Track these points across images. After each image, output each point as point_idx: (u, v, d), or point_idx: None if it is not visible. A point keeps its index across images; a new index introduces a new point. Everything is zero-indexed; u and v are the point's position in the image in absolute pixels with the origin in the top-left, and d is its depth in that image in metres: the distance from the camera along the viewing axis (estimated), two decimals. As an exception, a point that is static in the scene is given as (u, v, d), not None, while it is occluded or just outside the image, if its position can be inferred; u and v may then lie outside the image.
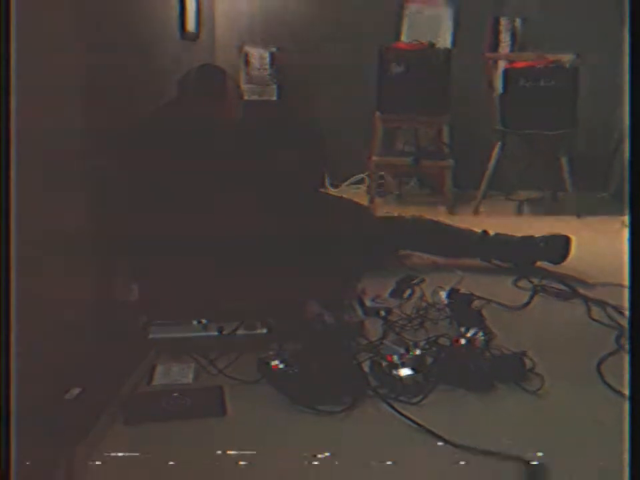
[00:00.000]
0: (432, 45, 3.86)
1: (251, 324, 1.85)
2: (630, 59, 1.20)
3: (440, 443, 1.42)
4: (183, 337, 1.82)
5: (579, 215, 3.63)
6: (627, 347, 1.86)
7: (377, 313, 2.08)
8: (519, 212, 3.87)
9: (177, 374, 1.70)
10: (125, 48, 2.28)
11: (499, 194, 4.04)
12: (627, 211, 2.54)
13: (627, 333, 1.93)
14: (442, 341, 1.84)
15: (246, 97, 3.83)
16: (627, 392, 1.55)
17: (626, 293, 1.82)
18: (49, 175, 1.58)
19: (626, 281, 1.30)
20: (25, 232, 1.27)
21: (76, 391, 1.54)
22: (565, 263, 2.58)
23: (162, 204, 2.07)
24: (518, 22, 4.08)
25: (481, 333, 1.88)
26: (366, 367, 1.70)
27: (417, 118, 3.82)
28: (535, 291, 2.35)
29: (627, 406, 1.26)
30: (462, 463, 1.36)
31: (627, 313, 2.06)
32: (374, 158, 3.84)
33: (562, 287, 2.39)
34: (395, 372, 1.63)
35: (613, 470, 1.28)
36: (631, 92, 1.19)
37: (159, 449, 1.39)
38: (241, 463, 1.35)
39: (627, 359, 1.53)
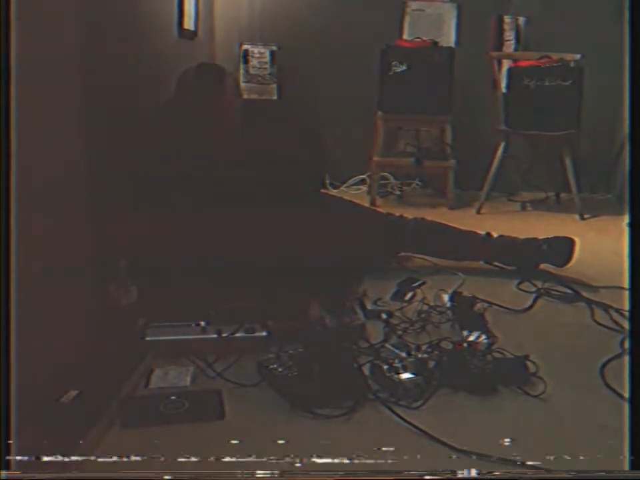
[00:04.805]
0: (435, 44, 3.83)
1: (250, 326, 1.83)
2: (630, 58, 1.18)
3: (441, 447, 1.39)
4: (180, 340, 1.80)
5: (582, 217, 3.61)
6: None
7: (378, 316, 2.06)
8: (522, 213, 3.85)
9: (174, 377, 1.68)
10: (122, 46, 2.26)
11: (502, 195, 4.02)
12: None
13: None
14: (444, 344, 1.82)
15: (245, 96, 3.80)
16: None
17: (630, 296, 1.81)
18: (47, 186, 1.56)
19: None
20: (24, 237, 1.26)
21: (73, 394, 1.52)
22: (568, 266, 2.56)
23: (160, 204, 2.06)
24: (522, 21, 4.05)
25: (483, 336, 1.87)
26: (367, 370, 1.68)
27: (419, 118, 3.80)
28: (538, 294, 2.34)
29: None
30: (463, 467, 1.34)
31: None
32: (375, 158, 3.81)
33: (565, 289, 2.37)
34: (396, 375, 1.61)
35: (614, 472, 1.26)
36: (631, 92, 1.18)
37: (156, 453, 1.37)
38: (239, 467, 1.32)
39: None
